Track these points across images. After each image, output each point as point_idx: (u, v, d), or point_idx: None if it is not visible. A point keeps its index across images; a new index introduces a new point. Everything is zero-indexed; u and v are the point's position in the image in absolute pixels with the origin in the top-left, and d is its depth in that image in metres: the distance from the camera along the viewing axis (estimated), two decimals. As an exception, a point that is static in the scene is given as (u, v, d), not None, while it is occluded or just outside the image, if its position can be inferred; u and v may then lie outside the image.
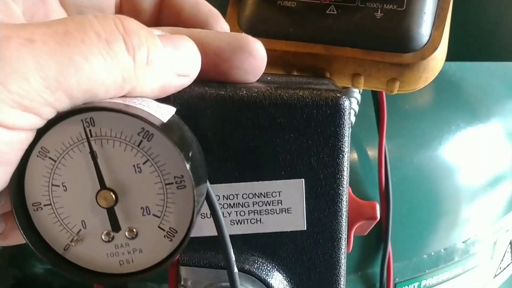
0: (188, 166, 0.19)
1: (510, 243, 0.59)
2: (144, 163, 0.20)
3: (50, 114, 0.18)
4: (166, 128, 0.20)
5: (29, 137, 0.19)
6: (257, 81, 0.28)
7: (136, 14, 0.28)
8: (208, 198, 0.23)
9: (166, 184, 0.20)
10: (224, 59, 0.24)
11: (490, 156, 0.57)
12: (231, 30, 0.34)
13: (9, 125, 0.17)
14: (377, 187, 0.47)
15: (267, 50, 0.31)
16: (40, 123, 0.19)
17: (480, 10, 0.42)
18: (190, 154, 0.20)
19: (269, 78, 0.28)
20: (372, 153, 0.48)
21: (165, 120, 0.20)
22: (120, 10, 0.28)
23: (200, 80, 0.24)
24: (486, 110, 0.59)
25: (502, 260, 0.58)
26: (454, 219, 0.51)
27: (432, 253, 0.50)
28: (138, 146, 0.20)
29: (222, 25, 0.28)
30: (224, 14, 0.35)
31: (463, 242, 0.52)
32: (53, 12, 0.26)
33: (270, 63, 0.32)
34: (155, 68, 0.21)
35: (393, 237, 0.45)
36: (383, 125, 0.43)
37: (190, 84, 0.24)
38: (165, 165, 0.20)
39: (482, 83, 0.61)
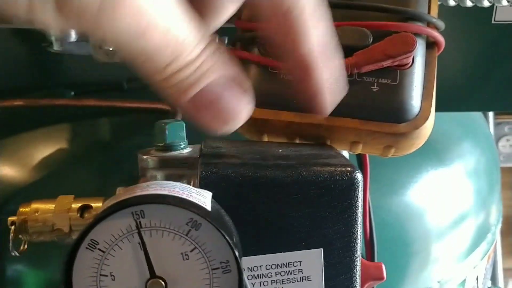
0: (237, 253, 0.21)
1: (477, 278, 0.63)
2: (191, 251, 0.21)
3: None
4: (213, 217, 0.21)
5: None
6: (272, 155, 0.30)
7: None
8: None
9: (212, 269, 0.22)
10: None
11: (455, 196, 0.61)
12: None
13: None
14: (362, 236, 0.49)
15: (273, 120, 0.33)
16: None
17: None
18: (234, 239, 0.22)
19: (280, 150, 0.30)
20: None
21: (209, 208, 0.22)
22: None
23: None
24: (448, 153, 0.63)
25: (470, 295, 0.62)
26: (429, 261, 0.55)
27: (412, 295, 0.53)
28: (187, 235, 0.21)
29: None
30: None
31: (438, 282, 0.55)
32: None
33: (276, 131, 0.34)
34: None
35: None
36: (367, 180, 0.46)
37: (215, 166, 0.25)
38: (212, 251, 0.21)
39: (444, 128, 0.65)
